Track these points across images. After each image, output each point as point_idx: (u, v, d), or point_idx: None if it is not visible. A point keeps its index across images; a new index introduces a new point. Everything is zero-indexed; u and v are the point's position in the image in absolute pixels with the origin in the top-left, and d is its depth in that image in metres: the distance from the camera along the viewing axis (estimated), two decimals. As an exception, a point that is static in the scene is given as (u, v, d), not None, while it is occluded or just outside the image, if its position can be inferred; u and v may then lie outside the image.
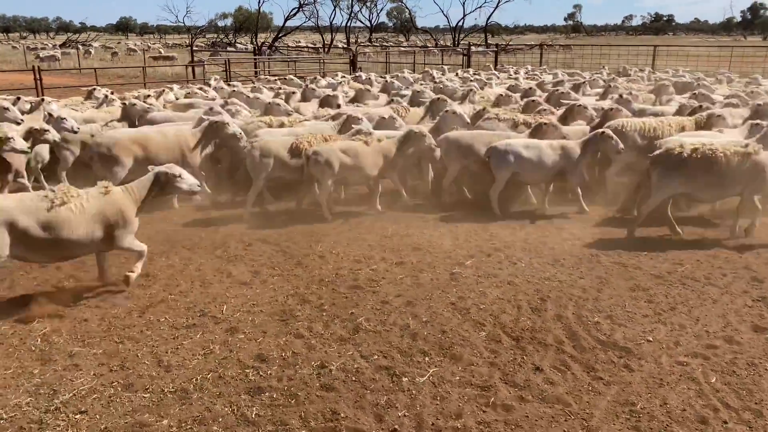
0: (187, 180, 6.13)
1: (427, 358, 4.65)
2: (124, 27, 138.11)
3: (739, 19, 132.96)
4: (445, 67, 21.05)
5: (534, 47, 50.55)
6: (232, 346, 4.86)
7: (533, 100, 10.99)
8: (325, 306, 5.58)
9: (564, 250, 6.99)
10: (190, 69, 29.89)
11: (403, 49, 43.07)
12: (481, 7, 78.63)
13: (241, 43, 66.54)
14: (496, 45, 29.54)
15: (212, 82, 14.95)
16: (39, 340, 4.98)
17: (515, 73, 19.29)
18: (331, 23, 66.01)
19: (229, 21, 78.67)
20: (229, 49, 50.80)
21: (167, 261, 6.74)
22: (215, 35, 77.35)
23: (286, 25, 57.35)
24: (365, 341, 4.91)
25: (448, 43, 62.36)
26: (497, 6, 65.39)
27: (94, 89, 12.96)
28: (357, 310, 5.49)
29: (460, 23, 65.54)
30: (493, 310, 5.45)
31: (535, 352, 4.74)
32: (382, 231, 7.75)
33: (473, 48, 27.16)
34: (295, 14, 56.32)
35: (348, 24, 68.57)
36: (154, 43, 67.17)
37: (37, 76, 15.55)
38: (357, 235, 7.62)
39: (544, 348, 4.79)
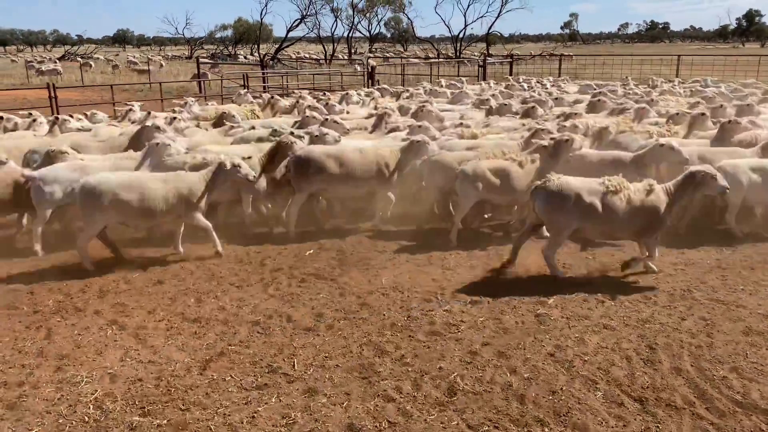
0: (720, 180, 6.39)
1: (546, 429, 4.02)
2: (121, 39, 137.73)
3: (734, 26, 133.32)
4: (464, 79, 20.48)
5: (536, 56, 50.27)
6: (316, 413, 4.23)
7: (643, 108, 10.64)
8: (407, 358, 4.95)
9: (650, 284, 6.38)
10: (196, 82, 29.36)
11: (415, 60, 42.56)
12: (483, 17, 77.67)
13: (241, 54, 66.13)
14: (511, 55, 29.08)
15: (242, 95, 14.29)
16: (91, 406, 4.34)
17: (537, 83, 18.69)
18: (332, 34, 65.55)
19: (229, 32, 78.24)
20: (236, 60, 50.25)
21: (218, 302, 6.10)
22: (215, 46, 77.02)
23: (287, 36, 56.82)
24: (467, 406, 4.28)
25: (450, 53, 62.11)
26: (498, 16, 65.13)
27: (131, 110, 12.33)
28: (445, 363, 4.85)
29: (461, 33, 65.18)
30: (600, 362, 4.83)
31: (668, 418, 4.12)
32: (443, 262, 7.13)
33: (488, 59, 26.62)
34: (297, 25, 55.77)
35: (350, 35, 68.24)
36: (153, 56, 66.54)
37: (52, 94, 14.91)
38: (417, 267, 7.00)
39: (676, 412, 4.17)
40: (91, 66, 45.05)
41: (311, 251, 7.57)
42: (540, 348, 5.06)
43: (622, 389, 4.45)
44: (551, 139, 7.91)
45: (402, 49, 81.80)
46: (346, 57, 61.03)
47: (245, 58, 58.86)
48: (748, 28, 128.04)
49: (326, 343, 5.23)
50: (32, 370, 4.84)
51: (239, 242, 7.87)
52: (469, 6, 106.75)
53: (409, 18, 74.21)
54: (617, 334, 5.29)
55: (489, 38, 65.72)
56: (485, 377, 4.63)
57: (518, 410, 4.22)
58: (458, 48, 64.37)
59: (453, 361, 4.88)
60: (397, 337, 5.31)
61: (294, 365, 4.86)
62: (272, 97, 12.57)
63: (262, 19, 61.82)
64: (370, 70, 21.38)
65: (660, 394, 4.39)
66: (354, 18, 67.79)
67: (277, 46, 59.34)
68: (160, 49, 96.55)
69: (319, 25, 62.04)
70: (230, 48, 75.15)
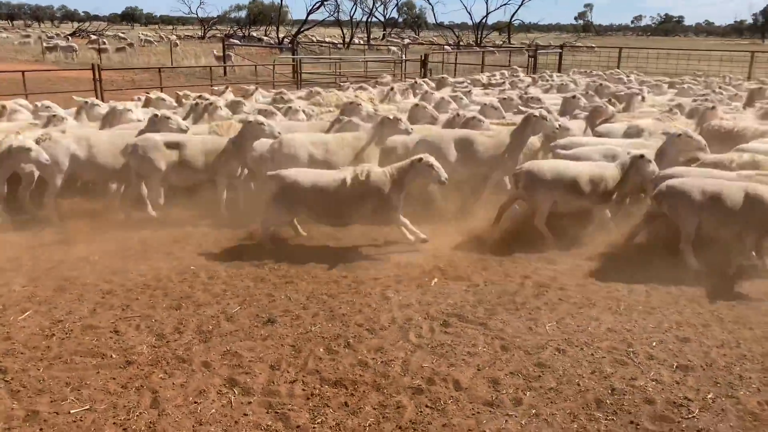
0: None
1: None
2: (129, 17, 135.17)
3: (750, 21, 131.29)
4: (519, 69, 19.11)
5: (555, 47, 48.44)
6: None
7: None
8: (650, 460, 3.70)
9: None
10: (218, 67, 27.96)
11: (486, 49, 40.83)
12: (506, 4, 75.53)
13: (256, 36, 64.45)
14: (561, 46, 27.59)
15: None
16: None
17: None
18: (351, 18, 63.94)
19: (243, 13, 76.41)
20: (259, 42, 48.66)
21: (355, 354, 4.81)
22: (228, 27, 75.32)
23: (307, 19, 55.16)
24: None
25: (470, 41, 60.40)
26: (522, 3, 63.23)
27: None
28: (709, 472, 3.61)
29: (483, 20, 63.40)
30: None
31: None
32: (609, 301, 5.85)
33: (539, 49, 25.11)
34: (318, 8, 54.16)
35: (368, 20, 66.49)
36: (167, 34, 64.73)
37: (97, 76, 13.48)
38: (577, 308, 5.71)
39: None
40: (105, 45, 43.34)
41: (436, 279, 6.30)
42: (823, 450, 3.81)
43: None
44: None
45: (415, 35, 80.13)
46: (363, 42, 59.61)
47: (261, 39, 57.01)
48: (764, 24, 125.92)
49: (528, 429, 3.97)
50: (151, 466, 3.60)
51: (343, 258, 6.64)
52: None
53: (430, 3, 72.17)
54: None
55: (505, 26, 63.79)
56: (781, 501, 3.38)
57: None
58: (479, 36, 62.66)
59: (718, 470, 3.63)
60: (617, 424, 4.05)
61: (504, 468, 3.61)
62: (392, 89, 11.49)
63: (282, 0, 59.84)
64: (423, 58, 19.97)
65: None
66: (374, 2, 66.03)
67: (294, 28, 57.80)
68: (173, 29, 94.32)
69: (339, 8, 60.28)
70: (244, 29, 73.53)
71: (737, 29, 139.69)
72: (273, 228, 7.22)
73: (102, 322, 5.29)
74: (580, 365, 4.74)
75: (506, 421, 4.06)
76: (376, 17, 74.28)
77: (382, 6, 73.61)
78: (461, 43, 57.60)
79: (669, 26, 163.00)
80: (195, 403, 4.20)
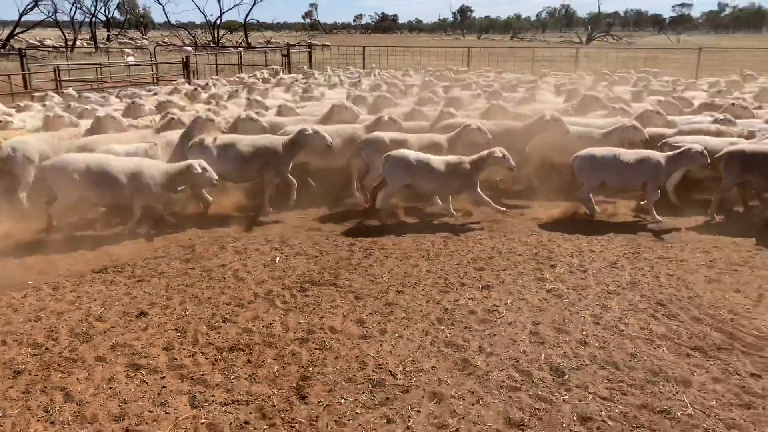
0: None
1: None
2: None
3: (451, 19, 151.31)
4: (278, 68, 20.19)
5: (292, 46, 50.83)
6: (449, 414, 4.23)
7: None
8: (486, 348, 5.12)
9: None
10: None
11: (190, 48, 39.66)
12: (239, 4, 75.79)
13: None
14: (309, 45, 29.21)
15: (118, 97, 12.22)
16: (226, 463, 3.74)
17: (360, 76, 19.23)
18: (72, 19, 58.52)
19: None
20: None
21: (236, 326, 5.49)
22: None
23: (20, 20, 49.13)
24: (589, 380, 4.66)
25: (208, 41, 59.72)
26: (255, 3, 64.28)
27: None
28: (528, 347, 5.15)
29: (218, 20, 63.20)
30: (640, 322, 5.57)
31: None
32: (420, 253, 7.30)
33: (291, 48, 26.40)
34: (31, 9, 48.64)
35: (92, 20, 61.41)
36: None
37: None
38: (398, 260, 7.06)
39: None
40: None
41: (279, 258, 7.14)
42: (581, 318, 5.64)
43: (676, 341, 5.23)
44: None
45: (142, 35, 76.54)
46: (89, 44, 55.33)
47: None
48: (462, 22, 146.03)
49: (398, 347, 5.13)
50: (100, 441, 3.95)
51: (183, 252, 7.08)
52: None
53: (160, 2, 69.25)
54: (626, 297, 6.12)
55: (240, 26, 64.35)
56: (582, 353, 5.01)
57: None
58: (216, 35, 62.27)
59: (530, 344, 5.19)
60: (456, 331, 5.42)
61: (393, 373, 4.72)
62: (206, 84, 11.43)
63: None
64: (184, 60, 19.78)
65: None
66: (96, 3, 61.27)
67: (3, 31, 51.07)
68: None
69: (56, 9, 54.66)
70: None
71: (441, 26, 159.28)
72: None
73: (-44, 345, 5.12)
74: (417, 298, 6.06)
75: (381, 345, 5.17)
76: (98, 18, 69.02)
77: (104, 6, 68.88)
78: (197, 43, 56.67)
79: (386, 24, 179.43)
80: (110, 389, 4.52)
